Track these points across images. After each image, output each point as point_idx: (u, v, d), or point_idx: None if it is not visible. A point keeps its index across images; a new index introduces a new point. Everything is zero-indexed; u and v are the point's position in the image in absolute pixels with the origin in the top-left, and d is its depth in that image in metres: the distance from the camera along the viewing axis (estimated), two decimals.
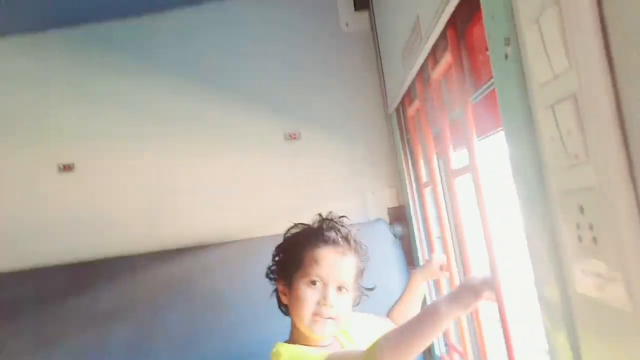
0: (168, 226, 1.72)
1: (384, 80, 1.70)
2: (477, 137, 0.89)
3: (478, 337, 1.07)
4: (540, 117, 0.50)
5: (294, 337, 1.10)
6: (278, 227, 1.72)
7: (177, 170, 1.75)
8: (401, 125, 1.54)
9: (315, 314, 1.03)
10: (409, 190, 1.56)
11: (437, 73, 0.97)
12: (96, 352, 1.58)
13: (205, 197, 1.74)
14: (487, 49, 0.68)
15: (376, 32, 1.70)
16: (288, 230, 1.18)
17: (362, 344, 1.21)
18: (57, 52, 1.77)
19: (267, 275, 1.17)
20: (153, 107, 1.76)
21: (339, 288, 1.06)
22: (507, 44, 0.57)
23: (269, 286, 1.65)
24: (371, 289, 1.17)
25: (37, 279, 1.62)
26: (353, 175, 1.79)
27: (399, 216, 1.74)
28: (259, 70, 1.79)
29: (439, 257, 1.35)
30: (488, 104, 0.88)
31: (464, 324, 1.22)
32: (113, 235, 1.70)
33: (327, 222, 1.12)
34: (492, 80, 0.76)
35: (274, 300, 1.65)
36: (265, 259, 1.67)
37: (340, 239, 1.07)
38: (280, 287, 1.14)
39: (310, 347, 1.06)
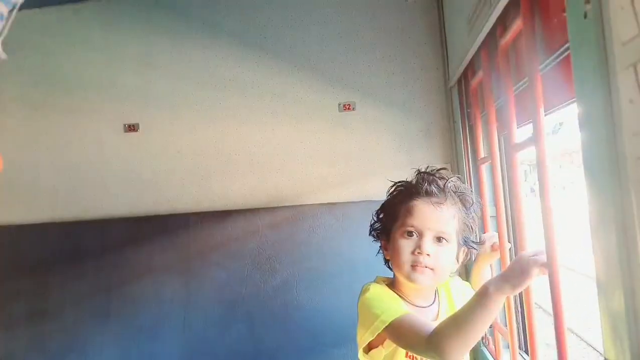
0: (221, 188, 1.77)
1: (446, 52, 1.64)
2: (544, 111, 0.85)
3: (527, 317, 1.05)
4: (619, 77, 0.47)
5: (393, 282, 1.09)
6: (327, 196, 1.76)
7: (233, 135, 1.79)
8: (462, 98, 1.49)
9: (413, 264, 1.01)
10: (464, 167, 1.51)
11: (506, 40, 0.93)
12: (152, 302, 1.68)
13: (257, 163, 1.78)
14: (563, 11, 0.64)
15: (441, 2, 1.63)
16: (389, 189, 1.13)
17: None
18: (124, 18, 1.83)
19: (370, 234, 1.14)
20: (213, 73, 1.80)
21: (438, 238, 1.02)
22: (587, 2, 0.54)
23: (316, 252, 1.70)
24: (481, 243, 1.12)
25: (100, 230, 1.73)
26: (406, 149, 1.76)
27: None
28: (317, 39, 1.78)
29: (490, 236, 1.30)
30: (556, 76, 0.84)
31: (512, 303, 1.19)
32: (171, 193, 1.77)
33: (422, 175, 1.07)
34: (565, 45, 0.72)
35: (318, 267, 1.70)
36: (314, 226, 1.71)
37: (435, 190, 1.03)
38: (383, 243, 1.12)
39: (404, 302, 1.05)
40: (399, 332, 0.93)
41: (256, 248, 1.68)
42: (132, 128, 1.81)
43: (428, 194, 1.02)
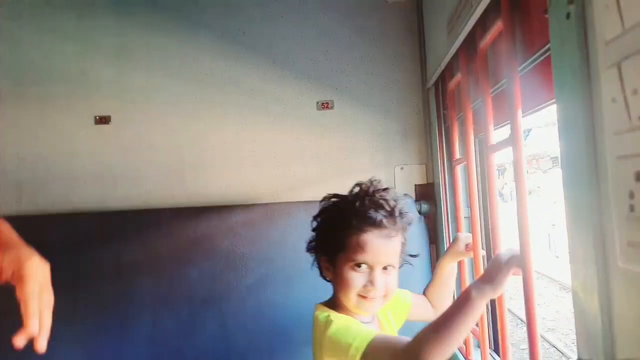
0: (196, 184, 1.74)
1: (424, 53, 1.65)
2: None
3: (499, 318, 1.06)
4: (602, 77, 0.47)
5: (337, 304, 1.07)
6: (303, 194, 1.74)
7: (209, 130, 1.76)
8: (439, 100, 1.51)
9: (362, 295, 1.01)
10: (439, 167, 1.53)
11: (485, 42, 0.94)
12: (120, 301, 1.62)
13: (234, 159, 1.75)
14: (545, 12, 0.64)
15: (421, 3, 1.65)
16: (324, 200, 1.12)
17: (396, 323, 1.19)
18: (100, 7, 1.77)
19: (308, 250, 1.13)
20: (190, 68, 1.76)
21: (385, 267, 1.02)
22: (570, 2, 0.54)
23: (291, 251, 1.68)
24: (415, 256, 1.13)
25: (68, 224, 1.67)
26: (383, 149, 1.77)
27: (426, 194, 1.71)
28: (297, 37, 1.77)
29: (465, 236, 1.32)
30: (534, 78, 0.85)
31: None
32: (143, 187, 1.73)
33: (368, 198, 1.02)
34: (546, 46, 0.73)
35: (293, 266, 1.68)
36: (289, 224, 1.69)
37: (385, 220, 1.00)
38: (324, 264, 1.10)
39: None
40: (376, 353, 0.91)
41: (230, 246, 1.65)
42: (103, 120, 1.75)
43: (379, 226, 0.99)
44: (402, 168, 1.77)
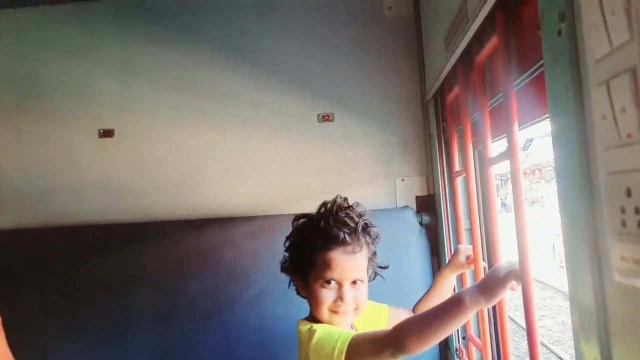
0: (198, 196, 1.75)
1: (423, 66, 1.67)
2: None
3: (500, 329, 1.06)
4: (593, 95, 0.48)
5: (316, 319, 1.11)
6: (305, 206, 1.74)
7: (211, 142, 1.77)
8: (438, 112, 1.52)
9: (333, 310, 1.07)
10: (439, 179, 1.54)
11: (481, 56, 0.95)
12: (123, 314, 1.62)
13: (235, 171, 1.76)
14: (537, 28, 0.65)
15: (419, 17, 1.67)
16: (294, 221, 1.18)
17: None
18: (102, 22, 1.80)
19: (282, 270, 1.21)
20: (191, 80, 1.78)
21: (354, 282, 1.08)
22: (561, 20, 0.55)
23: None
24: (385, 267, 1.19)
25: (70, 237, 1.68)
26: (384, 161, 1.77)
27: (427, 205, 1.72)
28: (297, 49, 1.79)
29: (465, 248, 1.32)
30: (530, 92, 0.86)
31: (486, 315, 1.20)
32: (145, 200, 1.74)
33: (332, 217, 1.09)
34: (539, 63, 0.74)
35: None
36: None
37: (348, 237, 1.06)
38: (297, 282, 1.17)
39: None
40: (359, 347, 0.95)
41: (232, 258, 1.66)
42: (107, 134, 1.77)
43: (343, 243, 1.06)
44: (402, 180, 1.77)
